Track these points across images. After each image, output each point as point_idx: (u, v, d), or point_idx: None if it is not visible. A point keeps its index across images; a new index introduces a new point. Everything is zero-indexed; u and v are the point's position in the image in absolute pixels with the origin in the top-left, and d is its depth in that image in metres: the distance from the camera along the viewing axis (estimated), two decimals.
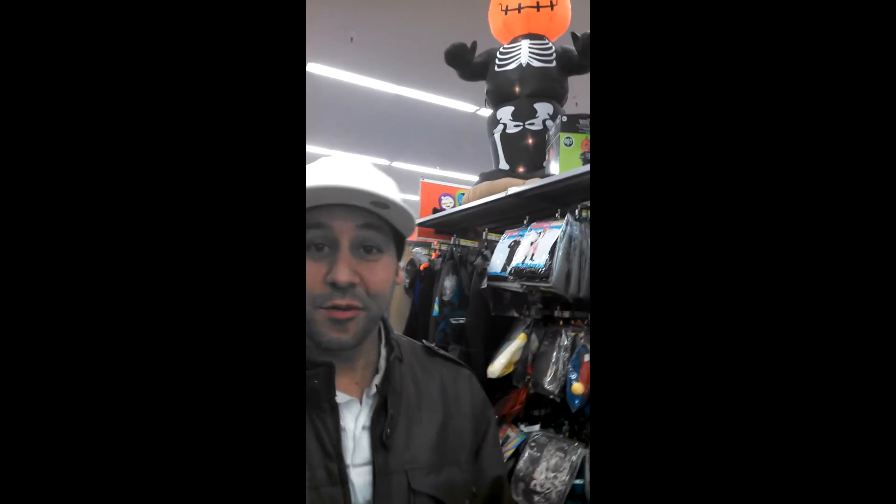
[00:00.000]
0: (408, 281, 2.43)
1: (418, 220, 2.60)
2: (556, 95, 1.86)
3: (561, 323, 1.49)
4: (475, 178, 2.00)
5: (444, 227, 2.56)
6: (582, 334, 1.36)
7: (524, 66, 1.84)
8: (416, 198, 2.74)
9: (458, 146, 6.74)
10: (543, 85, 1.83)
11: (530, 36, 1.92)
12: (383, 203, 0.60)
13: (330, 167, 0.64)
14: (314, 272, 0.59)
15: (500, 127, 1.87)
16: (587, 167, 1.42)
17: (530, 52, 1.86)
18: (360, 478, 0.61)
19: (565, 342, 1.39)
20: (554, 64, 1.85)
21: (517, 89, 1.84)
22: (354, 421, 0.63)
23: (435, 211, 2.61)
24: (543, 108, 1.81)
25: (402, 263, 2.66)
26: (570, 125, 1.48)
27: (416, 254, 2.47)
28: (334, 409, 0.62)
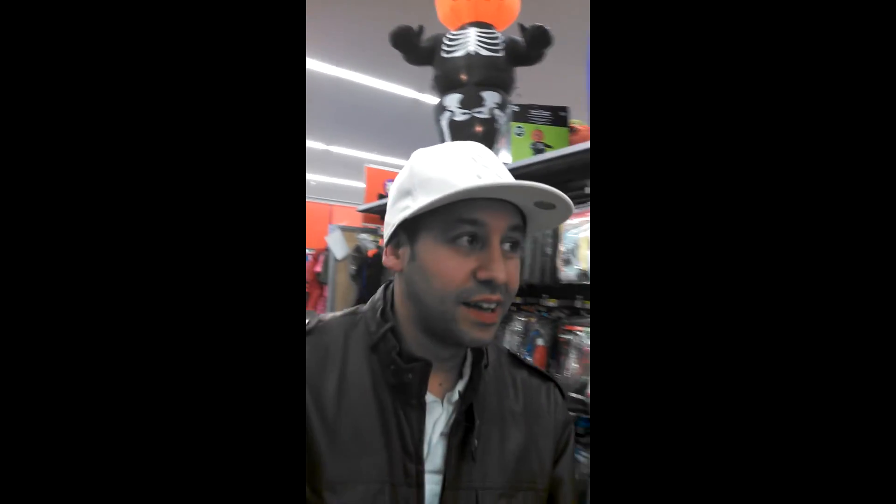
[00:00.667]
0: (354, 268, 2.40)
1: (362, 207, 2.57)
2: (503, 85, 1.88)
3: (513, 308, 1.53)
4: None
5: None
6: (534, 319, 1.41)
7: (472, 54, 1.84)
8: (361, 184, 2.70)
9: (398, 132, 6.68)
10: (491, 74, 1.84)
11: (478, 24, 1.92)
12: (550, 203, 0.57)
13: (470, 156, 0.60)
14: (462, 265, 0.56)
15: (448, 114, 1.87)
16: (538, 157, 1.46)
17: (478, 41, 1.87)
18: (428, 486, 0.58)
19: (517, 327, 1.43)
20: (502, 54, 1.87)
21: (464, 77, 1.85)
22: (433, 426, 0.60)
23: (380, 197, 2.59)
24: (491, 97, 1.83)
25: (349, 250, 2.61)
26: (522, 115, 1.51)
27: (363, 240, 2.44)
28: (422, 408, 0.59)
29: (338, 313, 0.67)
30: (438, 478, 0.59)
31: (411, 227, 0.59)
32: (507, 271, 0.57)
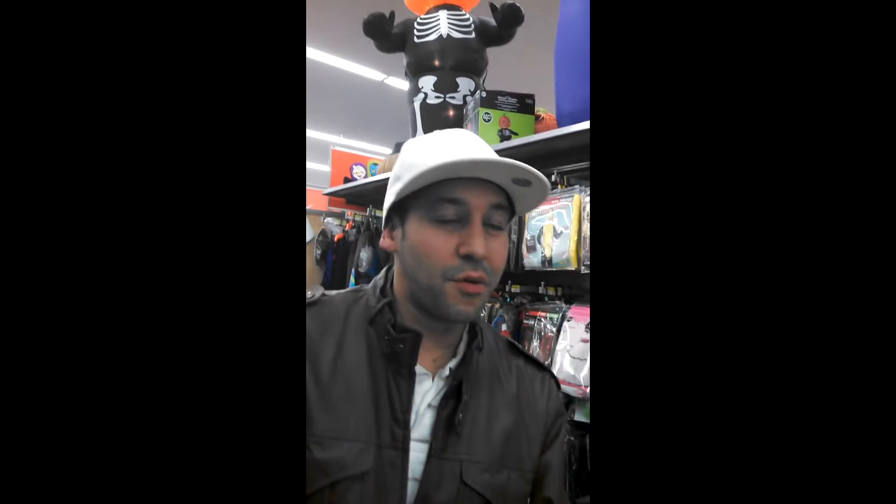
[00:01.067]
0: (319, 252, 2.37)
1: (328, 190, 2.53)
2: (477, 69, 1.87)
3: None
4: (382, 149, 1.99)
5: (356, 197, 2.51)
6: (498, 305, 1.43)
7: (444, 37, 1.83)
8: (327, 167, 2.66)
9: (363, 115, 6.57)
10: (465, 57, 1.83)
11: (447, 7, 1.91)
12: (526, 180, 0.59)
13: (454, 141, 0.62)
14: (446, 244, 0.59)
15: (421, 96, 1.86)
16: (505, 143, 1.47)
17: (449, 24, 1.85)
18: (413, 453, 0.61)
19: (482, 313, 1.45)
20: (473, 35, 1.86)
21: (438, 61, 1.84)
22: (422, 396, 0.63)
23: (346, 180, 2.55)
24: (465, 84, 1.82)
25: (314, 234, 2.58)
26: (490, 101, 1.51)
27: (329, 224, 2.41)
28: (412, 377, 0.62)
29: (342, 291, 0.71)
30: (424, 446, 0.62)
31: (402, 210, 0.63)
32: (489, 247, 0.60)
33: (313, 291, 0.70)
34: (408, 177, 0.59)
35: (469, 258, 0.59)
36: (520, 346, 0.77)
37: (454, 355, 0.67)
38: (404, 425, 0.61)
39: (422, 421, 0.62)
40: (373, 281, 0.71)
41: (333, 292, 0.70)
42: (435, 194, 0.59)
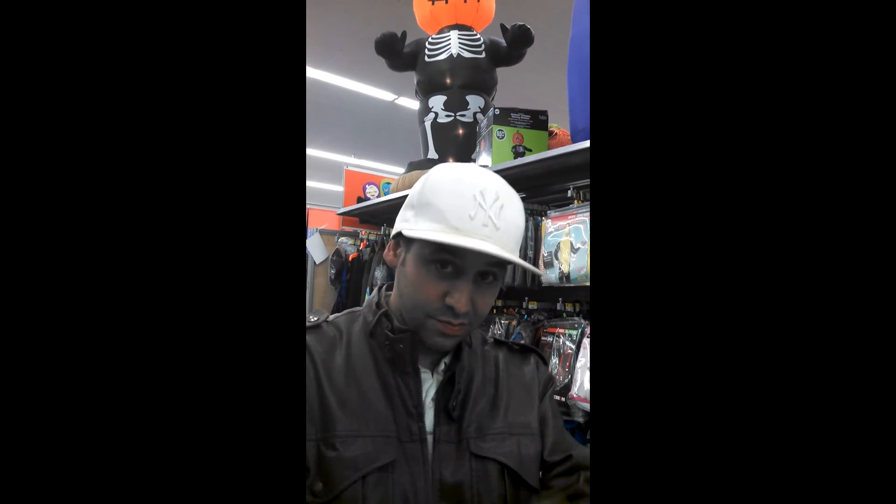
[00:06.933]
0: (333, 272, 2.38)
1: (342, 210, 2.54)
2: (487, 87, 1.89)
3: (494, 311, 1.53)
4: (394, 168, 2.00)
5: (369, 216, 2.52)
6: (516, 322, 1.41)
7: (455, 56, 1.85)
8: (340, 187, 2.67)
9: (375, 135, 6.64)
10: (474, 76, 1.85)
11: (458, 27, 1.93)
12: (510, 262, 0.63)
13: (474, 204, 0.61)
14: (435, 287, 0.63)
15: (432, 116, 1.87)
16: (518, 160, 1.46)
17: (460, 43, 1.87)
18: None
19: (499, 330, 1.43)
20: (483, 55, 1.88)
21: (448, 80, 1.85)
22: (426, 392, 0.69)
23: (359, 200, 2.56)
24: (475, 101, 1.84)
25: (328, 254, 2.58)
26: (503, 118, 1.51)
27: (343, 244, 2.41)
28: (417, 374, 0.68)
29: (341, 314, 0.78)
30: (430, 437, 0.67)
31: (407, 238, 0.66)
32: (475, 300, 0.64)
33: (318, 316, 0.75)
34: (420, 222, 0.63)
35: (452, 309, 0.62)
36: (498, 338, 0.83)
37: (447, 353, 0.72)
38: (419, 418, 0.66)
39: (427, 414, 0.68)
40: (367, 300, 0.76)
41: (332, 316, 0.76)
42: (436, 244, 0.62)
